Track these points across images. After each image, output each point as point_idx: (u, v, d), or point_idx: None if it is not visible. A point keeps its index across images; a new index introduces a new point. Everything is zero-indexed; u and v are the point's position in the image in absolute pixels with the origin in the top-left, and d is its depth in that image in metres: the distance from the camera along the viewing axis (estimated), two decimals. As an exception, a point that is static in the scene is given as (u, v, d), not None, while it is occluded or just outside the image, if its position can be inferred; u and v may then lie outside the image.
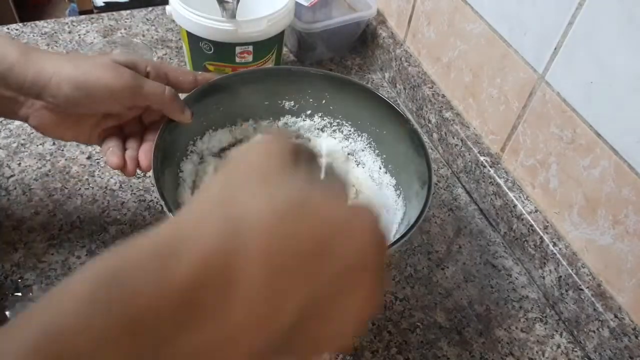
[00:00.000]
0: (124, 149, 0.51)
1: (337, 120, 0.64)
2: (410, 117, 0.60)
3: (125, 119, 0.51)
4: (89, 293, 0.19)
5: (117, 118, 0.50)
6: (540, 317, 0.60)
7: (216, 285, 0.20)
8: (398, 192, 0.58)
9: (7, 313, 0.52)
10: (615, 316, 0.53)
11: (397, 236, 0.48)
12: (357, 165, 0.64)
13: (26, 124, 0.70)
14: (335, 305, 0.23)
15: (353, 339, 0.26)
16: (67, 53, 0.48)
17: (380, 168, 0.62)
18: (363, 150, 0.63)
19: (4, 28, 0.85)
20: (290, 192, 0.23)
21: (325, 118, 0.64)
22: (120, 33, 0.87)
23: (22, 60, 0.43)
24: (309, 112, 0.64)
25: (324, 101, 0.62)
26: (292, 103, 0.63)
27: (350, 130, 0.64)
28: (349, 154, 0.64)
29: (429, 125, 0.77)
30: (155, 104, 0.49)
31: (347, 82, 0.61)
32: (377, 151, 0.62)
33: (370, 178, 0.62)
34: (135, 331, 0.19)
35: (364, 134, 0.63)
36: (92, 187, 0.64)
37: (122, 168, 0.49)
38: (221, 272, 0.20)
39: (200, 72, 0.54)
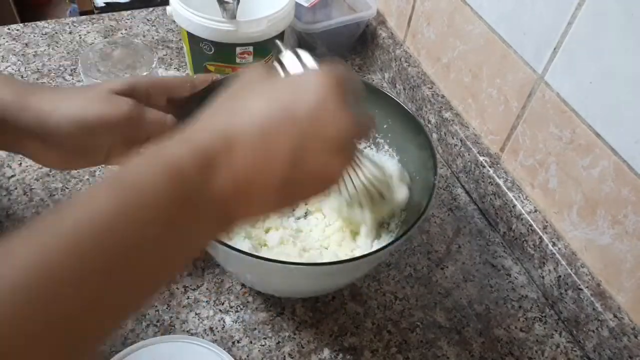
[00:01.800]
0: None
1: None
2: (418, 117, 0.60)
3: (135, 143, 0.48)
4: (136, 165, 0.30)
5: (125, 143, 0.48)
6: (540, 316, 0.60)
7: (224, 149, 0.31)
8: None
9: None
10: (615, 316, 0.53)
11: (399, 233, 0.48)
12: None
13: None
14: (312, 151, 0.33)
15: (328, 190, 0.36)
16: (63, 89, 0.47)
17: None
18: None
19: (5, 28, 0.85)
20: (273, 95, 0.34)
21: None
22: (121, 33, 0.88)
23: (17, 104, 0.42)
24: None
25: None
26: None
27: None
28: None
29: (429, 125, 0.78)
30: (156, 133, 0.47)
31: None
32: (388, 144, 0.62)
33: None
34: (176, 178, 0.29)
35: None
36: (93, 187, 0.64)
37: None
38: (225, 141, 0.31)
39: (195, 76, 0.54)
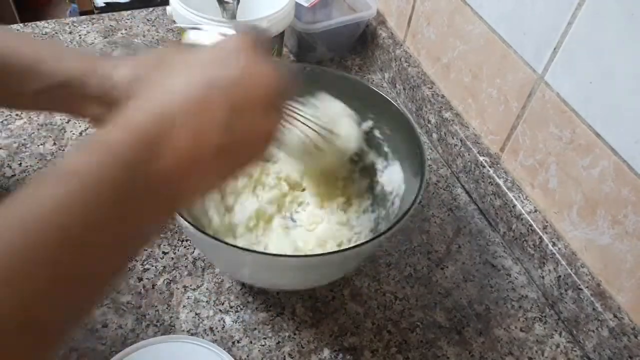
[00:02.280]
0: None
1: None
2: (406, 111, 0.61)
3: None
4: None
5: None
6: (540, 316, 0.60)
7: (162, 129, 0.31)
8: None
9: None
10: (615, 316, 0.53)
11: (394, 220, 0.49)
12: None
13: (27, 124, 0.70)
14: (243, 114, 0.34)
15: (266, 149, 0.37)
16: (118, 57, 0.51)
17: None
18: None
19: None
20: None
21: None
22: (121, 33, 0.88)
23: (83, 69, 0.45)
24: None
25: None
26: None
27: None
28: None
29: (429, 125, 0.78)
30: None
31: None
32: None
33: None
34: (119, 164, 0.29)
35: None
36: (93, 187, 0.64)
37: None
38: (162, 121, 0.31)
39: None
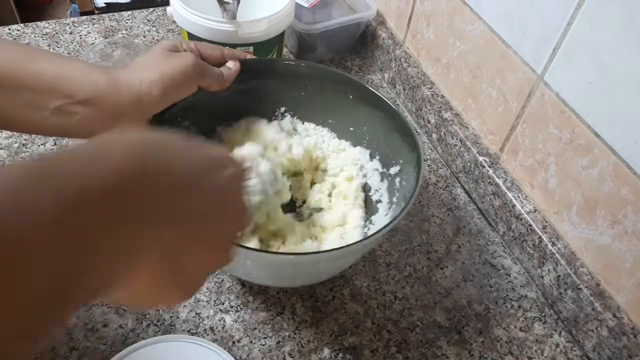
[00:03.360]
0: None
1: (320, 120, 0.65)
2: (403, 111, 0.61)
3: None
4: (25, 175, 0.21)
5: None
6: (539, 316, 0.60)
7: (138, 184, 0.25)
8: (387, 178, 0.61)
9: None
10: (614, 315, 0.53)
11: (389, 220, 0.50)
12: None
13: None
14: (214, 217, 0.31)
15: (234, 240, 0.35)
16: (132, 62, 0.51)
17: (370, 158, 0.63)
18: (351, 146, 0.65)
19: (5, 29, 0.85)
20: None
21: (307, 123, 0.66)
22: (121, 34, 0.88)
23: (110, 83, 0.46)
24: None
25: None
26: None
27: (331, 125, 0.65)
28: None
29: (428, 125, 0.78)
30: (214, 84, 0.53)
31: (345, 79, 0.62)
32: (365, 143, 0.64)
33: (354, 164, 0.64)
34: (75, 207, 0.22)
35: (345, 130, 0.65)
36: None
37: None
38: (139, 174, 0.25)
39: (227, 47, 0.56)
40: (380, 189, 0.61)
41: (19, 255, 0.20)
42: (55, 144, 0.69)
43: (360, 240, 0.47)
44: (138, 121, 0.48)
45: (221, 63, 0.56)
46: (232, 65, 0.56)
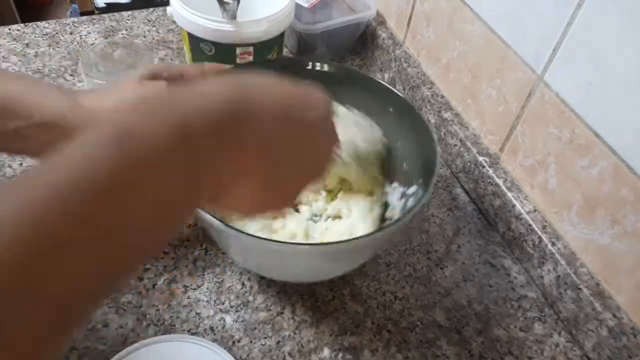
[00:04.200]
0: None
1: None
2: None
3: None
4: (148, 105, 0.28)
5: None
6: (539, 316, 0.60)
7: (238, 122, 0.30)
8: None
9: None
10: (614, 315, 0.53)
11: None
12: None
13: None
14: (303, 149, 0.35)
15: (322, 175, 0.39)
16: (98, 89, 0.51)
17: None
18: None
19: (5, 28, 0.85)
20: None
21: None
22: (122, 34, 0.88)
23: (72, 107, 0.45)
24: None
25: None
26: None
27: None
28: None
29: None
30: None
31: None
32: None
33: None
34: (184, 144, 0.27)
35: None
36: (93, 187, 0.64)
37: None
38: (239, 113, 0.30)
39: (206, 63, 0.56)
40: (395, 207, 0.60)
41: (146, 174, 0.25)
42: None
43: (381, 228, 0.48)
44: None
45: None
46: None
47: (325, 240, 0.58)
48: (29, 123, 0.43)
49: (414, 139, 0.59)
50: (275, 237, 0.57)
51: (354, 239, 0.48)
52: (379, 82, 0.62)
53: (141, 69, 0.51)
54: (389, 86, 0.61)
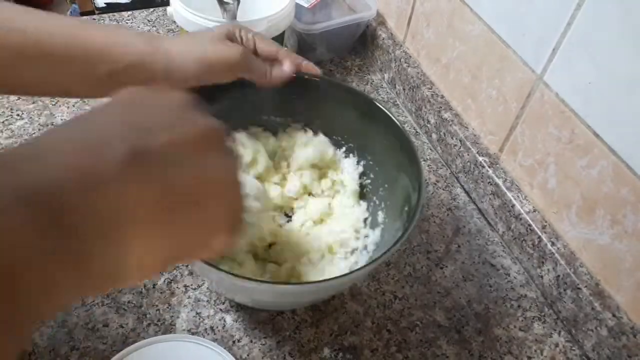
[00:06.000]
0: None
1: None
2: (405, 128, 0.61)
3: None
4: None
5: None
6: (539, 316, 0.60)
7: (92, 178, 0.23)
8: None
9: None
10: (614, 315, 0.53)
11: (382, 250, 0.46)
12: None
13: (28, 125, 0.71)
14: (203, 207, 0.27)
15: (230, 236, 0.30)
16: (182, 36, 0.54)
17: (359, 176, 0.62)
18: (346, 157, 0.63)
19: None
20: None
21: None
22: (121, 34, 0.88)
23: (149, 49, 0.47)
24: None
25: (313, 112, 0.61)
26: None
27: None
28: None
29: (428, 125, 0.78)
30: (257, 80, 0.54)
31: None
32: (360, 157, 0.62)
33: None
34: (36, 201, 0.20)
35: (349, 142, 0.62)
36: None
37: None
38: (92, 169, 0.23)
39: (283, 48, 0.56)
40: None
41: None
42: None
43: (365, 265, 0.45)
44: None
45: (274, 60, 0.55)
46: (287, 68, 0.55)
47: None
48: (118, 67, 0.46)
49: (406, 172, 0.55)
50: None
51: (320, 281, 0.46)
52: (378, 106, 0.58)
53: (224, 26, 0.53)
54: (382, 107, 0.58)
